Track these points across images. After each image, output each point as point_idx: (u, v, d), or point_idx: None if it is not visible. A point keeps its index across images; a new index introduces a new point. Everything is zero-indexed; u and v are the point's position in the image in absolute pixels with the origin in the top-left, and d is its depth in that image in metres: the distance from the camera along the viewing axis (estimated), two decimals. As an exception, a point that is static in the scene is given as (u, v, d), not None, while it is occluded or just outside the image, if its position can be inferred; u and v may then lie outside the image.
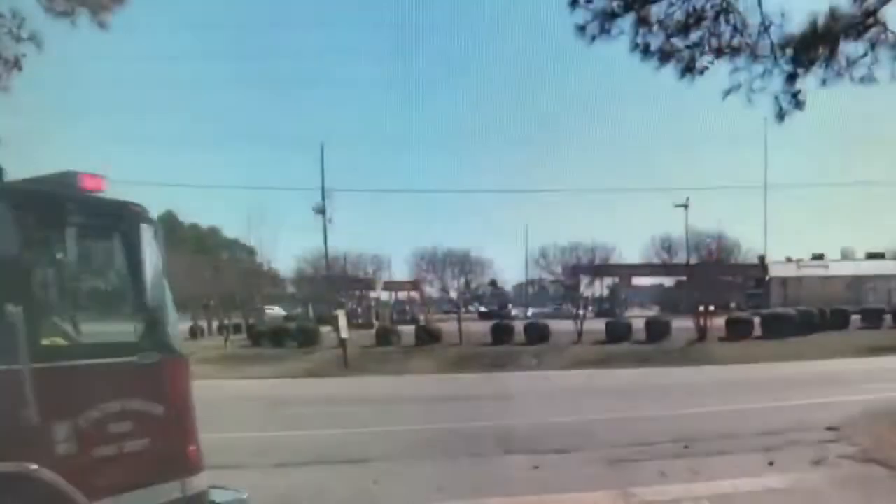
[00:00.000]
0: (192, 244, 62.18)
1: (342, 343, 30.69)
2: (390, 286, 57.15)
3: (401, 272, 50.66)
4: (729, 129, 79.63)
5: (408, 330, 38.35)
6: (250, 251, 71.00)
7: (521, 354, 32.31)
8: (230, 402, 18.62)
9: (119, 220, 5.62)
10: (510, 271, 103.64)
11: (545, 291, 68.74)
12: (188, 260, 43.17)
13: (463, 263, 40.48)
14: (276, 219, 79.36)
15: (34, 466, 4.67)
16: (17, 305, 4.72)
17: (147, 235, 5.72)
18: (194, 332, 42.82)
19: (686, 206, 44.97)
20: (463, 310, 40.81)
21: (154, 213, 5.83)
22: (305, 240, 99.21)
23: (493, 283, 59.65)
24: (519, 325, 38.30)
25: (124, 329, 5.61)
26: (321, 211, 48.67)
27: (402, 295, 61.64)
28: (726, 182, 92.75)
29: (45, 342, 5.01)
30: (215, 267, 49.00)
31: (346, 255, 46.62)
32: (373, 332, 38.76)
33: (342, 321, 30.70)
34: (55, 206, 5.25)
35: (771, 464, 10.96)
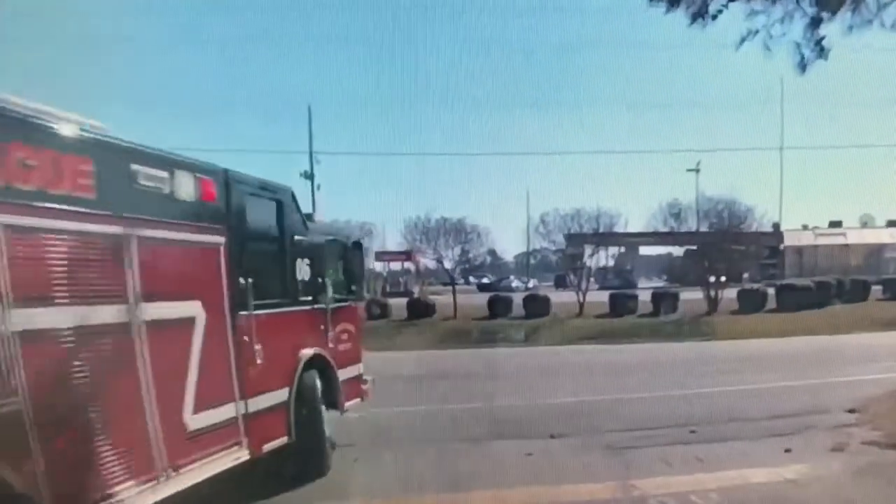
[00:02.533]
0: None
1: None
2: (383, 257, 55.09)
3: (392, 241, 48.68)
4: (743, 86, 76.01)
5: (400, 303, 36.30)
6: None
7: (517, 329, 30.36)
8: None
9: (355, 246, 11.45)
10: (508, 240, 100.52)
11: (549, 262, 66.64)
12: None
13: (458, 232, 38.17)
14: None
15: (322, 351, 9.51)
16: (326, 282, 9.71)
17: (358, 251, 11.61)
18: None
19: (697, 171, 43.00)
20: (462, 281, 38.79)
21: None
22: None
23: (493, 252, 57.78)
24: (518, 298, 36.16)
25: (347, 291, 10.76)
26: (309, 177, 46.90)
27: (396, 266, 59.48)
28: (739, 144, 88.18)
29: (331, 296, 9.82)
30: None
31: (333, 223, 44.36)
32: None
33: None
34: (344, 245, 11.00)
35: (787, 451, 9.62)
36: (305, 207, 10.27)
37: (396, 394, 14.38)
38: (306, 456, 8.76)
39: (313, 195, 46.04)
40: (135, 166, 6.43)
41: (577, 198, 77.67)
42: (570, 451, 10.33)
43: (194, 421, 6.82)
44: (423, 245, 39.74)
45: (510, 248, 66.98)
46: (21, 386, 5.08)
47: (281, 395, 8.33)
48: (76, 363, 5.62)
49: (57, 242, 5.52)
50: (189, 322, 6.97)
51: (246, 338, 7.65)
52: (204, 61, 71.90)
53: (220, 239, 7.47)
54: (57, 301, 5.47)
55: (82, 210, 5.76)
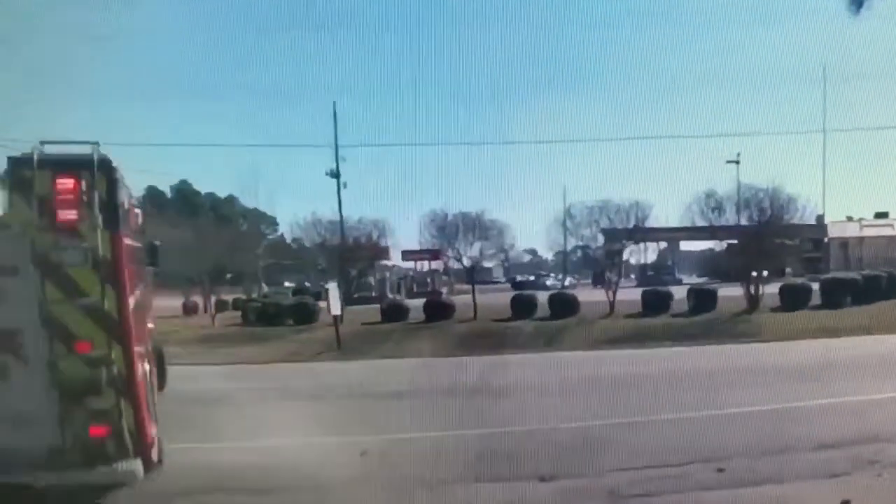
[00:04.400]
0: (208, 214, 59.47)
1: (335, 321, 26.83)
2: (410, 256, 53.34)
3: (408, 238, 47.29)
4: (783, 64, 71.91)
5: (418, 304, 34.33)
6: (272, 221, 67.84)
7: (536, 331, 28.13)
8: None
9: None
10: (534, 235, 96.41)
11: (589, 258, 64.14)
12: (203, 230, 41.43)
13: (477, 228, 36.19)
14: (286, 180, 74.89)
15: None
16: None
17: None
18: (187, 310, 39.61)
19: (737, 162, 40.71)
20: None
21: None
22: (311, 203, 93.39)
23: (534, 251, 56.07)
24: (544, 297, 33.92)
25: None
26: (335, 175, 46.26)
27: (417, 265, 57.48)
28: (778, 128, 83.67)
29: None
30: (231, 238, 45.86)
31: (360, 219, 43.27)
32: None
33: (333, 295, 26.83)
34: None
35: (846, 504, 7.07)
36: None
37: (367, 416, 12.81)
38: None
39: (339, 193, 45.56)
40: None
41: (606, 188, 74.53)
42: (561, 500, 8.30)
43: None
44: (441, 242, 37.96)
45: (533, 243, 64.17)
46: None
47: None
48: None
49: None
50: None
51: None
52: (230, 55, 70.48)
53: None
54: None
55: None
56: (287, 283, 53.87)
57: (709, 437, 10.62)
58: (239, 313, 36.39)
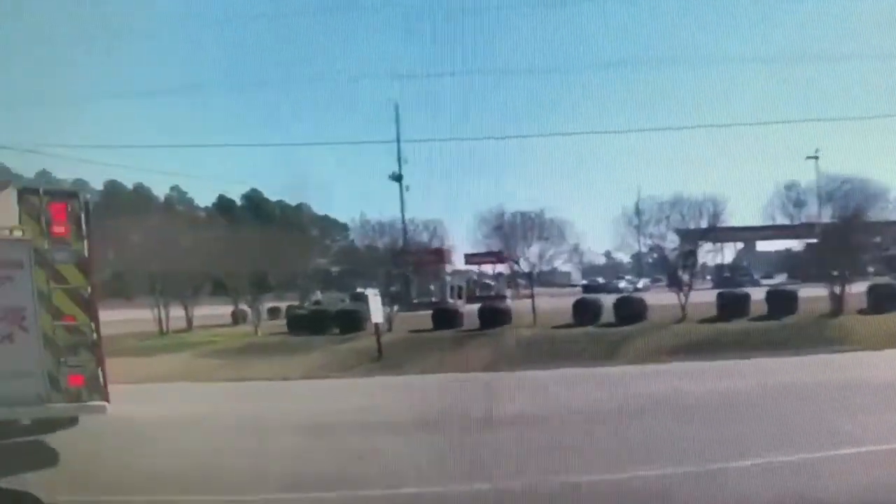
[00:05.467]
0: (279, 222, 58.49)
1: (376, 329, 24.84)
2: (473, 259, 51.27)
3: (466, 239, 45.75)
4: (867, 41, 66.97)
5: (474, 309, 32.11)
6: (343, 227, 66.71)
7: (598, 340, 25.52)
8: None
9: None
10: (602, 235, 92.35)
11: (664, 259, 61.15)
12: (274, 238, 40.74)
13: (537, 227, 34.22)
14: (345, 182, 73.05)
15: None
16: None
17: None
18: (235, 318, 38.07)
19: (816, 158, 37.75)
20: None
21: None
22: (370, 205, 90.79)
23: (608, 253, 53.67)
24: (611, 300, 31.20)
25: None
26: (398, 178, 44.60)
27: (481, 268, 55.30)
28: (865, 111, 77.55)
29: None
30: (303, 245, 45.45)
31: (425, 222, 41.51)
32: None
33: (374, 302, 24.83)
34: None
35: None
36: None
37: (387, 457, 10.55)
38: None
39: (402, 197, 44.15)
40: None
41: (677, 182, 70.47)
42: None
43: None
44: (501, 243, 36.37)
45: (604, 243, 60.94)
46: None
47: None
48: None
49: None
50: None
51: None
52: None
53: None
54: None
55: None
56: (359, 290, 52.18)
57: (799, 491, 8.17)
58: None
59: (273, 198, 67.70)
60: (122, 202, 45.73)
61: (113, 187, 48.98)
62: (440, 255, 43.99)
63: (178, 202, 54.96)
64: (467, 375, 20.50)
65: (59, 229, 11.33)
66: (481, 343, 26.23)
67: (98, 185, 48.28)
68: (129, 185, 49.59)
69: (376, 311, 24.62)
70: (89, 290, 11.49)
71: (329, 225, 64.32)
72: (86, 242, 11.53)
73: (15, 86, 43.55)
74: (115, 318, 33.62)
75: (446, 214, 45.92)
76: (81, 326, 11.38)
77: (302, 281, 45.60)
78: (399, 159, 44.42)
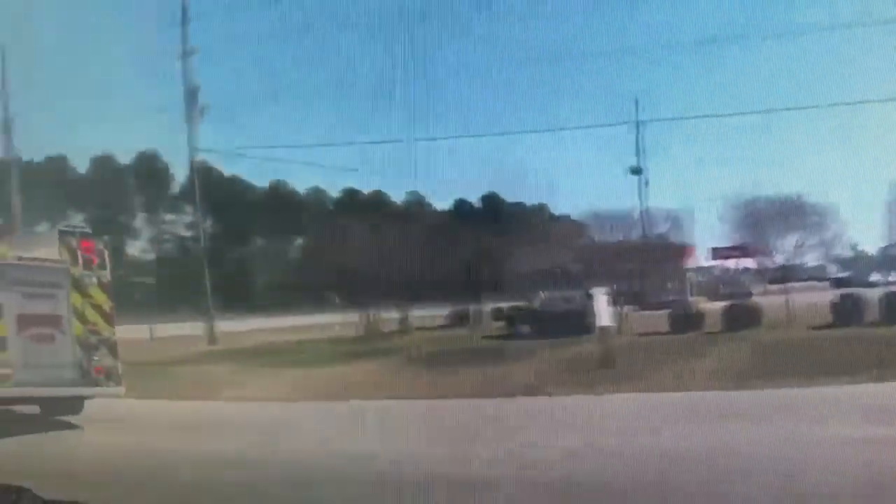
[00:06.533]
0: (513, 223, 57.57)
1: (602, 334, 22.01)
2: (719, 253, 47.19)
3: (703, 232, 41.82)
4: None
5: (716, 309, 28.59)
6: (576, 225, 65.15)
7: (863, 346, 20.15)
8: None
9: None
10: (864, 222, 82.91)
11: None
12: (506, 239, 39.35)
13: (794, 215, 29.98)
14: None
15: None
16: None
17: None
18: (454, 320, 36.43)
19: None
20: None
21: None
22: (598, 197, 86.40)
23: (854, 245, 47.96)
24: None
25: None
26: (637, 171, 40.71)
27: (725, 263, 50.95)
28: None
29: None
30: (533, 246, 43.32)
31: (663, 214, 38.79)
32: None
33: (601, 303, 22.09)
34: None
35: None
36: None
37: None
38: None
39: (640, 191, 41.01)
40: None
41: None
42: None
43: None
44: (749, 234, 33.16)
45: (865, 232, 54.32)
46: None
47: None
48: None
49: None
50: None
51: None
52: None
53: None
54: None
55: None
56: (590, 290, 49.60)
57: None
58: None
59: (510, 199, 66.58)
60: (357, 206, 45.52)
61: (350, 192, 49.00)
62: (678, 251, 40.89)
63: (412, 206, 54.48)
64: (719, 395, 16.12)
65: (88, 260, 15.06)
66: (731, 349, 22.13)
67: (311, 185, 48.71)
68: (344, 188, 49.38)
69: (603, 312, 21.83)
70: (110, 305, 15.26)
71: (559, 224, 62.52)
72: (107, 271, 15.48)
73: (219, 89, 44.60)
74: (318, 322, 33.45)
75: (686, 205, 42.11)
76: (103, 332, 15.04)
77: (527, 281, 43.66)
78: (637, 150, 41.33)
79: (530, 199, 52.41)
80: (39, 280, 14.50)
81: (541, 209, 61.01)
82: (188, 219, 45.37)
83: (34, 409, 15.41)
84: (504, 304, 37.17)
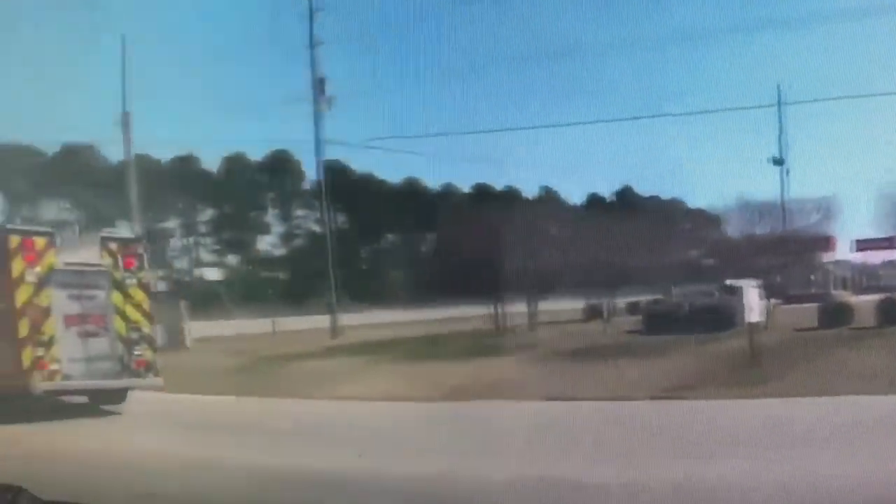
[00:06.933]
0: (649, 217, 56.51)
1: (749, 330, 20.93)
2: (863, 245, 44.74)
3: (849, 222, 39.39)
4: None
5: (867, 302, 27.13)
6: (714, 218, 63.87)
7: None
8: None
9: None
10: None
11: None
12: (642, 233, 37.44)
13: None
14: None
15: None
16: None
17: None
18: (587, 314, 35.49)
19: None
20: None
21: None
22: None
23: None
24: None
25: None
26: (779, 162, 39.76)
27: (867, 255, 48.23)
28: None
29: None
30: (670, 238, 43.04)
31: (808, 205, 38.48)
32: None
33: (750, 297, 21.08)
34: None
35: None
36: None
37: None
38: None
39: (783, 182, 39.71)
40: None
41: None
42: None
43: None
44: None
45: None
46: None
47: None
48: None
49: None
50: None
51: None
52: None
53: None
54: None
55: None
56: (728, 282, 47.61)
57: None
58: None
59: (645, 193, 65.14)
60: (488, 198, 44.97)
61: (480, 186, 48.41)
62: (819, 242, 39.48)
63: (548, 200, 53.59)
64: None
65: (128, 264, 16.31)
66: (875, 348, 20.08)
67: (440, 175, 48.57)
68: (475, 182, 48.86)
69: (752, 307, 20.74)
70: (148, 303, 16.58)
71: (698, 217, 60.87)
72: (146, 272, 16.91)
73: (348, 81, 44.58)
74: (447, 316, 32.60)
75: (827, 194, 39.94)
76: (143, 328, 16.32)
77: (663, 273, 42.37)
78: (780, 143, 39.65)
79: (664, 191, 50.85)
80: (83, 282, 15.84)
81: (675, 200, 59.48)
82: (317, 214, 45.62)
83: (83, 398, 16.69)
84: (639, 299, 36.24)
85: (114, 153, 40.91)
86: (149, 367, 16.29)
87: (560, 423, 14.24)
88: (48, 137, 42.58)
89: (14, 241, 15.15)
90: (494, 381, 19.02)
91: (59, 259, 15.55)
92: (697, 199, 58.79)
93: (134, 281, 16.32)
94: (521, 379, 19.95)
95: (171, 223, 51.50)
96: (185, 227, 51.92)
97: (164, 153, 45.89)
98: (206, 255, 52.55)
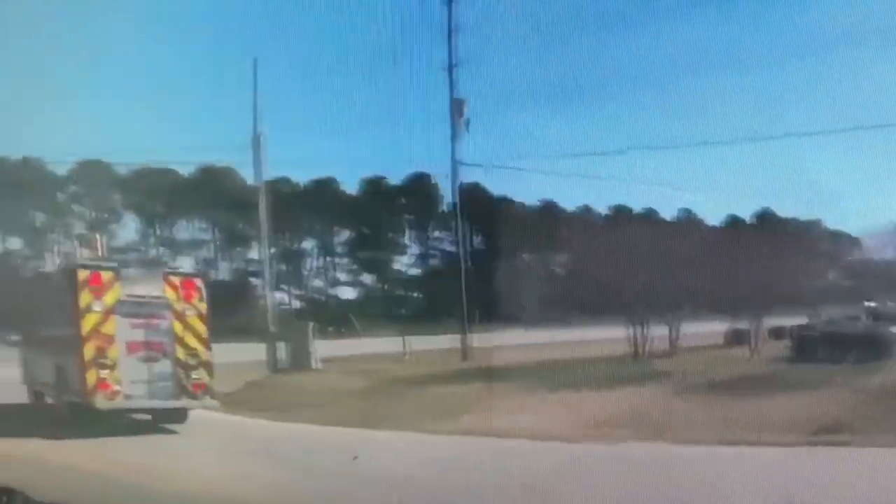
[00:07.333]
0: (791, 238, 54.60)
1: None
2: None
3: None
4: None
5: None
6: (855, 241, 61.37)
7: None
8: None
9: None
10: None
11: None
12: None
13: None
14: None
15: None
16: None
17: None
18: (730, 339, 33.64)
19: None
20: None
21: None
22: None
23: None
24: None
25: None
26: None
27: None
28: None
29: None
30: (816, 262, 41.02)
31: None
32: None
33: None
34: None
35: None
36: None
37: None
38: None
39: None
40: None
41: None
42: None
43: None
44: None
45: None
46: None
47: None
48: None
49: None
50: None
51: None
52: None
53: None
54: None
55: None
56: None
57: None
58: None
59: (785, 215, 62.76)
60: (624, 220, 44.20)
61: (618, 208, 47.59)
62: None
63: (686, 222, 52.03)
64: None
65: (188, 296, 17.59)
66: None
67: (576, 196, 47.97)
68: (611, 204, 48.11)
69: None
70: (206, 332, 17.71)
71: (842, 239, 58.53)
72: (205, 303, 17.80)
73: (486, 101, 44.56)
74: (580, 338, 31.54)
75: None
76: (201, 354, 17.48)
77: (812, 296, 40.23)
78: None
79: (804, 212, 48.71)
80: (146, 312, 17.15)
81: (815, 222, 57.07)
82: (452, 236, 45.91)
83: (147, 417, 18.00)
84: (784, 324, 34.71)
85: (250, 174, 41.73)
86: (205, 390, 17.68)
87: (723, 471, 12.12)
88: (183, 158, 43.99)
89: (83, 275, 16.70)
90: (642, 416, 17.28)
91: (124, 291, 17.07)
92: (841, 220, 56.42)
93: (193, 312, 17.74)
94: (670, 416, 17.57)
95: (308, 244, 52.84)
96: (321, 247, 53.15)
97: (300, 175, 47.03)
98: (341, 275, 53.63)
